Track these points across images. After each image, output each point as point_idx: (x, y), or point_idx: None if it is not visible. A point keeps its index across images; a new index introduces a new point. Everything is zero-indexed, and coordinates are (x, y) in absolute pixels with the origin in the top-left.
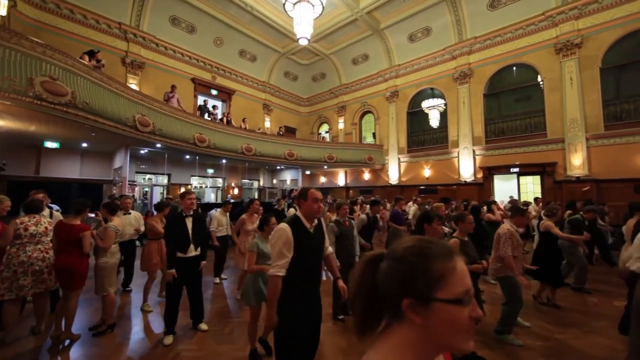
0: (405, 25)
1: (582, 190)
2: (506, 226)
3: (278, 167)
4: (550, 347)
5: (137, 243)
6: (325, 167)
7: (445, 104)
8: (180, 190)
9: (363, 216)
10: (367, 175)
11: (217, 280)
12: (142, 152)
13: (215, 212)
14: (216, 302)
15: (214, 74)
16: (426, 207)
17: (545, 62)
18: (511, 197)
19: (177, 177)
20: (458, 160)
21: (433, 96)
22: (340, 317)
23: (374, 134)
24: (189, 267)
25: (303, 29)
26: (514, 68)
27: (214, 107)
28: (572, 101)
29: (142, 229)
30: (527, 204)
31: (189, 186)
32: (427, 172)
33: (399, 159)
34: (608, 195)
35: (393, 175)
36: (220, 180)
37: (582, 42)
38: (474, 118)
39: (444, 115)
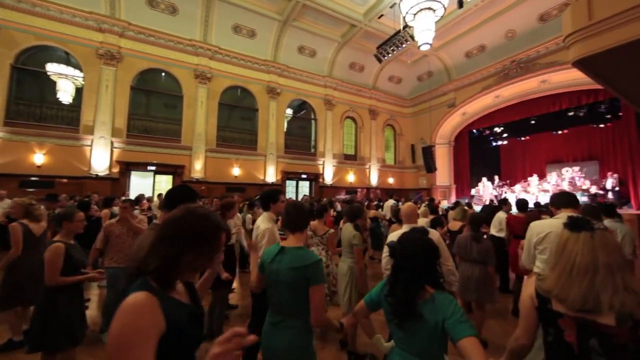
0: None
1: (200, 189)
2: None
3: None
4: None
5: None
6: None
7: (84, 79)
8: None
9: None
10: None
11: None
12: None
13: None
14: None
15: None
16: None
17: (187, 80)
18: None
19: None
20: (91, 150)
21: (68, 62)
22: None
23: None
24: None
25: None
26: (163, 74)
27: None
28: (200, 120)
29: None
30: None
31: None
32: (39, 157)
33: None
34: (213, 193)
35: None
36: None
37: (212, 78)
38: (118, 108)
39: (79, 92)
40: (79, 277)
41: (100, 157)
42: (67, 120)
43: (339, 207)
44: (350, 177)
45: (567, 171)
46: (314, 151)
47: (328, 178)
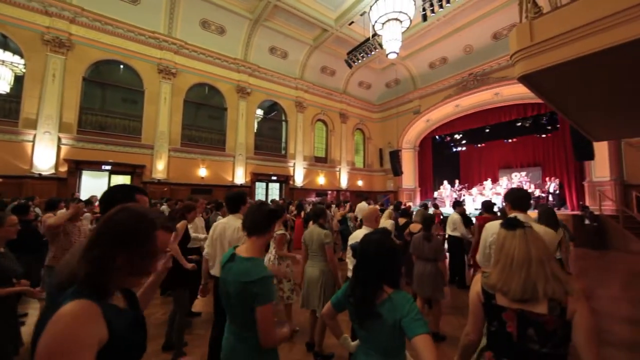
0: None
1: (162, 190)
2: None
3: None
4: None
5: None
6: None
7: (25, 66)
8: None
9: None
10: None
11: None
12: None
13: None
14: None
15: None
16: None
17: (149, 75)
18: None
19: None
20: (33, 146)
21: (5, 47)
22: None
23: None
24: None
25: None
26: (122, 66)
27: None
28: (163, 117)
29: None
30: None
31: None
32: None
33: None
34: (177, 195)
35: None
36: None
37: (177, 73)
38: (67, 101)
39: (19, 81)
40: (9, 289)
41: (44, 155)
42: (4, 112)
43: (309, 208)
44: (321, 180)
45: (515, 176)
46: (285, 153)
47: (298, 180)
